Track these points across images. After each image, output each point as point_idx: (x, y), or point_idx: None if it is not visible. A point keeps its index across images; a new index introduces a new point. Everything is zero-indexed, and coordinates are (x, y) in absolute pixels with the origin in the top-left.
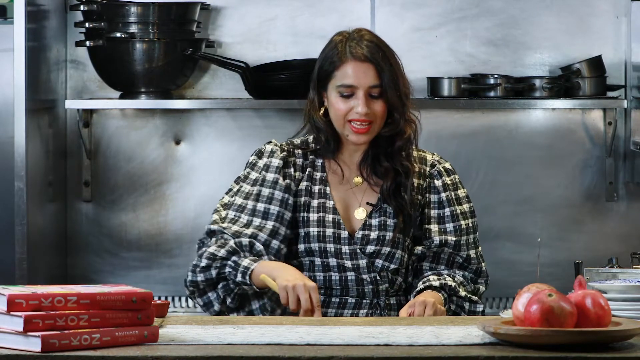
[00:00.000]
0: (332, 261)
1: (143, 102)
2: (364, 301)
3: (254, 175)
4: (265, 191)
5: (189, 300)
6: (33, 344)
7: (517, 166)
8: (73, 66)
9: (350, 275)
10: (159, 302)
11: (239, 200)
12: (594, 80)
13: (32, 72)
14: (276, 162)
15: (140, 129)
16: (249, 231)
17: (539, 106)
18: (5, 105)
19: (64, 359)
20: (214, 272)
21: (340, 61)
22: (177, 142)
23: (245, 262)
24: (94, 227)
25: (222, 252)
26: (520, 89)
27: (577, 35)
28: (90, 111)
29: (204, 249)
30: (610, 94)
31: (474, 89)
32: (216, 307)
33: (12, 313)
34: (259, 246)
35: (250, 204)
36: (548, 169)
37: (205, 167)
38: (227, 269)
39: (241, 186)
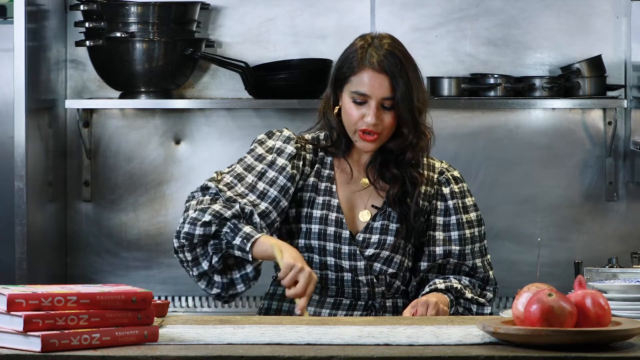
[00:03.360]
0: (330, 260)
1: (143, 102)
2: (359, 302)
3: (259, 150)
4: (271, 173)
5: (189, 300)
6: (33, 344)
7: (517, 166)
8: (73, 66)
9: (347, 275)
10: (159, 302)
11: (238, 169)
12: (594, 80)
13: (32, 72)
14: (290, 149)
15: (140, 129)
16: (242, 201)
17: (539, 106)
18: (5, 105)
19: (64, 359)
20: (213, 229)
21: (358, 67)
22: (177, 142)
23: (246, 228)
24: (94, 227)
25: (228, 213)
26: (520, 88)
27: (577, 35)
28: (90, 111)
29: (195, 203)
30: (610, 93)
31: (474, 89)
32: (204, 264)
33: (12, 313)
34: (256, 218)
35: (250, 178)
36: (548, 169)
37: (205, 167)
38: (225, 229)
39: (244, 157)
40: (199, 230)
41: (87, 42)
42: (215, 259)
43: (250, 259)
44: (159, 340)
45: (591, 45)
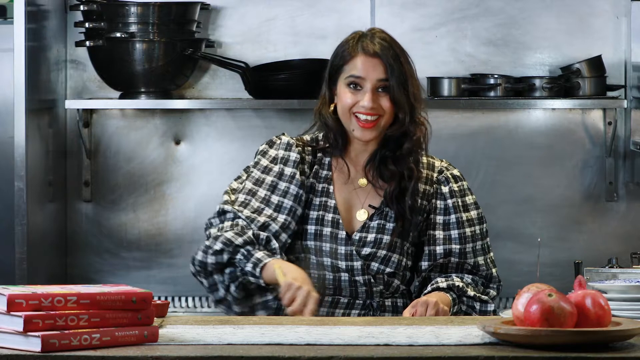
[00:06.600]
0: (327, 260)
1: (143, 102)
2: (357, 302)
3: (264, 162)
4: (282, 185)
5: (189, 300)
6: (33, 344)
7: (517, 166)
8: (73, 66)
9: (344, 275)
10: (159, 302)
11: (249, 185)
12: (594, 80)
13: (32, 72)
14: (294, 155)
15: (140, 129)
16: (261, 219)
17: (539, 106)
18: (5, 105)
19: (64, 359)
20: (225, 257)
21: (350, 56)
22: (177, 142)
23: (259, 254)
24: (94, 227)
25: (239, 240)
26: (520, 89)
27: (577, 35)
28: (90, 111)
29: (215, 231)
30: (610, 94)
31: (474, 89)
32: (221, 292)
33: (12, 313)
34: (274, 243)
35: (262, 192)
36: (548, 169)
37: (205, 167)
38: (239, 256)
39: (251, 171)
40: (210, 259)
41: (87, 43)
42: (232, 288)
43: (263, 284)
44: (159, 341)
45: (591, 45)
